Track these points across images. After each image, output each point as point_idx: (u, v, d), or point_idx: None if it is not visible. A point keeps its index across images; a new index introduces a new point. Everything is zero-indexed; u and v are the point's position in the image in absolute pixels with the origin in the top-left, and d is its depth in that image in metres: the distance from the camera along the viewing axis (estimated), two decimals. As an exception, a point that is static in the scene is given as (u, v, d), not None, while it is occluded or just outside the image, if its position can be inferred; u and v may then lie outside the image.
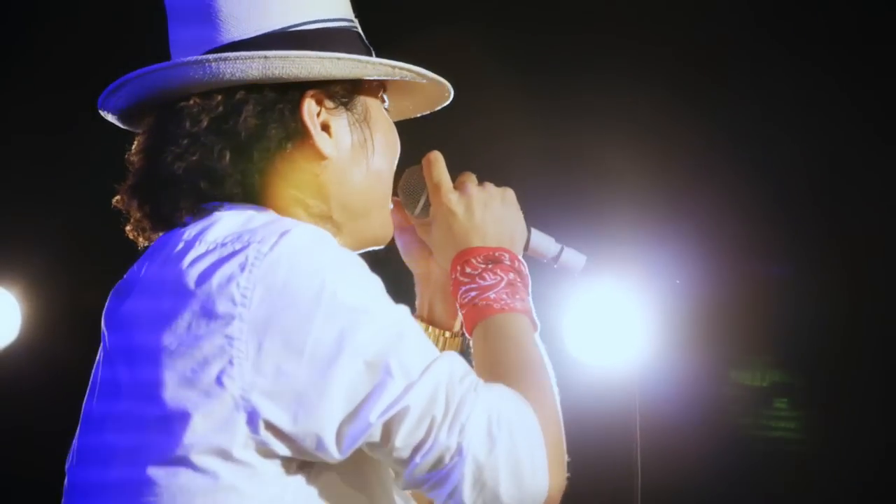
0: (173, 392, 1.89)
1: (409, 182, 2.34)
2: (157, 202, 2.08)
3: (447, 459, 1.91)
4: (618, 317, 4.83)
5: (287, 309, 1.89)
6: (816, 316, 4.71)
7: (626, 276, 4.77)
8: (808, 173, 4.70)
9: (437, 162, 2.31)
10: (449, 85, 2.27)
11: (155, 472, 1.89)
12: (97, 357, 2.07)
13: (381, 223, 2.23)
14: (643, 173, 4.65)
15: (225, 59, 2.06)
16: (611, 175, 4.67)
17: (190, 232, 1.99)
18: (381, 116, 2.21)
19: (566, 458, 2.02)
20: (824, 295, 4.70)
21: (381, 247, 2.28)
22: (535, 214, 4.39)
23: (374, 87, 2.21)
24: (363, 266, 2.00)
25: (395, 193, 2.31)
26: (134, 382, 1.95)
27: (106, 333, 2.04)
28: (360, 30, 2.22)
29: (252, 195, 2.06)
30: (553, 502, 1.99)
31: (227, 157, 2.05)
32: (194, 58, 2.08)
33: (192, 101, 2.07)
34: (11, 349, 4.97)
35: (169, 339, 1.91)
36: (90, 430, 2.03)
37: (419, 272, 2.37)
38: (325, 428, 1.88)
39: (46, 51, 4.72)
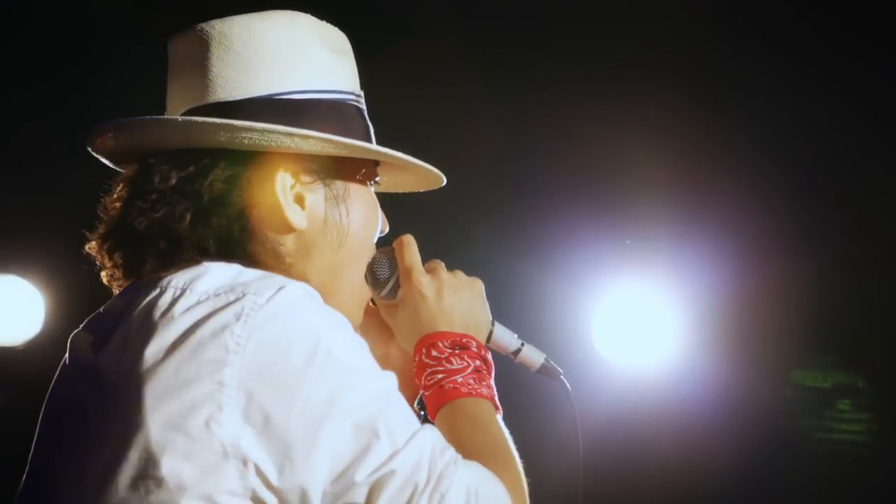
0: (158, 436, 1.87)
1: (378, 263, 2.33)
2: (123, 254, 2.10)
3: None
4: (647, 315, 4.79)
5: (280, 362, 1.90)
6: (854, 310, 4.65)
7: (655, 274, 4.73)
8: (846, 165, 4.63)
9: (410, 245, 2.33)
10: (437, 171, 2.29)
11: None
12: (47, 409, 2.07)
13: (351, 302, 2.22)
14: (671, 170, 4.60)
15: (194, 123, 2.08)
16: (638, 172, 4.62)
17: (178, 281, 1.99)
18: (363, 190, 2.21)
19: None
20: (855, 286, 4.64)
21: None
22: (566, 216, 4.35)
23: (361, 162, 2.20)
24: (351, 328, 2.03)
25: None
26: (111, 432, 1.92)
27: (74, 384, 2.03)
28: (360, 103, 2.22)
29: (216, 256, 2.06)
30: None
31: (188, 219, 2.06)
32: (165, 117, 2.11)
33: (164, 158, 2.09)
34: (36, 342, 4.95)
35: (154, 385, 1.90)
36: (53, 488, 2.00)
37: (377, 354, 2.30)
38: (310, 484, 1.89)
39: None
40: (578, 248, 4.69)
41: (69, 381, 2.07)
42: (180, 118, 2.09)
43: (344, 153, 2.15)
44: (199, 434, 1.87)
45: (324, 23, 2.23)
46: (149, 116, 2.11)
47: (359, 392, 1.93)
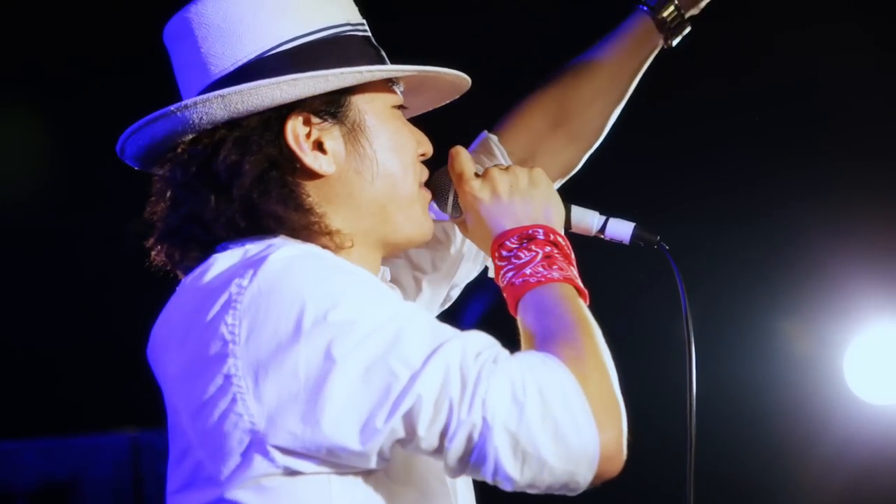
0: (193, 435, 1.96)
1: (436, 182, 2.34)
2: (177, 253, 2.13)
3: (476, 437, 1.86)
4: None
5: (273, 337, 1.89)
6: None
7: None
8: None
9: (458, 155, 2.28)
10: (455, 73, 2.23)
11: None
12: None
13: (410, 222, 2.19)
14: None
15: (187, 107, 2.07)
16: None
17: (188, 279, 2.04)
18: (384, 116, 2.17)
19: (621, 409, 1.92)
20: None
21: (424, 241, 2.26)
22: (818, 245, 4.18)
23: (375, 87, 2.17)
24: (350, 274, 1.99)
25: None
26: (172, 426, 2.05)
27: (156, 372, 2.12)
28: (361, 31, 2.18)
29: (249, 230, 2.06)
30: (612, 457, 1.89)
31: (212, 201, 2.07)
32: (161, 111, 2.09)
33: (180, 150, 2.11)
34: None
35: (181, 388, 1.98)
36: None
37: None
38: (335, 439, 1.88)
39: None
40: (832, 280, 4.51)
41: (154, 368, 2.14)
42: (174, 107, 2.08)
43: (339, 84, 2.11)
44: (224, 428, 1.92)
45: None
46: (144, 119, 2.11)
47: (355, 338, 1.88)
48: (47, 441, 4.84)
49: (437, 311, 2.57)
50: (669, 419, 2.40)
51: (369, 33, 2.20)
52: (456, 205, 2.31)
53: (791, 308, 4.58)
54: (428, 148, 2.24)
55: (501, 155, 2.57)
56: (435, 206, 2.33)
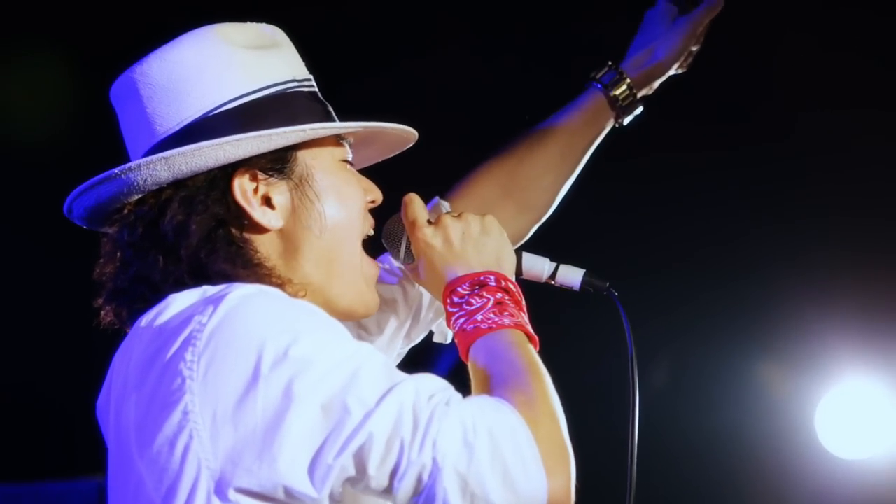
0: (145, 471, 1.93)
1: (389, 230, 2.36)
2: (125, 313, 2.11)
3: (425, 477, 1.85)
4: (875, 408, 4.57)
5: (232, 373, 1.88)
6: None
7: (879, 369, 4.52)
8: None
9: (411, 202, 2.32)
10: (400, 127, 2.24)
11: None
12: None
13: (353, 290, 2.19)
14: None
15: (131, 170, 2.07)
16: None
17: (146, 319, 2.02)
18: (330, 169, 2.18)
19: (570, 455, 1.93)
20: None
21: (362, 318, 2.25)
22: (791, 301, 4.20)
23: (322, 142, 2.18)
24: (308, 312, 1.98)
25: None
26: (117, 467, 2.02)
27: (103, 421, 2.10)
28: (307, 87, 2.19)
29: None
30: (561, 502, 1.89)
31: (160, 262, 2.07)
32: (105, 175, 2.09)
33: (126, 211, 2.12)
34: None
35: (136, 431, 1.95)
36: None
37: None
38: (289, 478, 1.86)
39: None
40: (804, 335, 4.53)
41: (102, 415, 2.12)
42: (118, 170, 2.08)
43: (283, 143, 2.12)
44: (181, 466, 1.89)
45: (244, 24, 2.21)
46: (89, 182, 2.11)
47: (314, 376, 1.87)
48: (15, 487, 4.79)
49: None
50: (615, 468, 2.41)
51: (316, 88, 2.21)
52: (409, 252, 2.33)
53: (765, 361, 4.60)
54: (377, 195, 2.26)
55: None
56: (389, 255, 2.36)
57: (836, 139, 4.31)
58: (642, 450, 2.34)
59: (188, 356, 1.91)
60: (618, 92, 2.70)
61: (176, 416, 1.90)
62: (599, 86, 2.70)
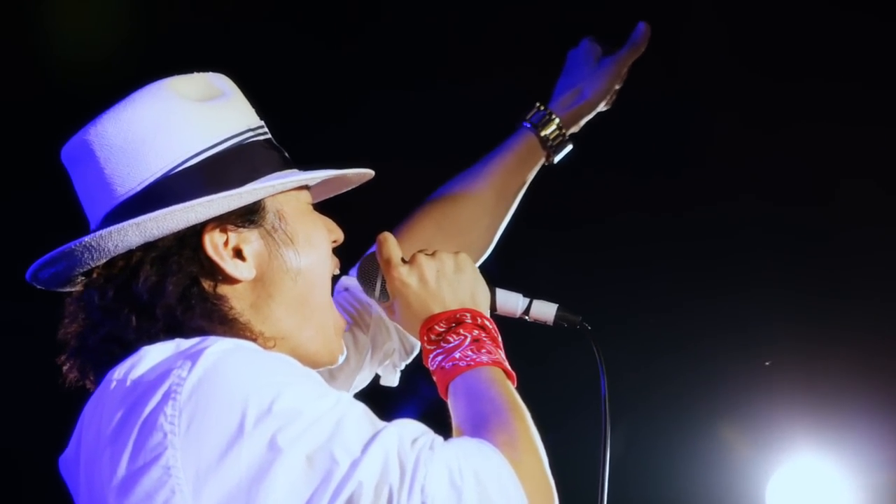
0: None
1: (364, 269, 2.39)
2: (92, 374, 2.11)
3: None
4: (824, 486, 4.57)
5: (215, 428, 1.88)
6: None
7: (830, 446, 4.54)
8: None
9: (386, 242, 2.36)
10: (355, 171, 2.25)
11: None
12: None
13: (321, 336, 2.19)
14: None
15: (101, 237, 2.07)
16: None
17: (119, 372, 2.00)
18: (297, 213, 2.19)
19: (553, 491, 1.97)
20: None
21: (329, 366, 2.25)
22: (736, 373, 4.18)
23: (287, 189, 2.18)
24: (288, 364, 1.99)
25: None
26: None
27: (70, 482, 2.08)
28: (261, 135, 2.19)
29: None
30: None
31: (134, 322, 2.07)
32: (76, 242, 2.09)
33: (95, 275, 2.12)
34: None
35: (112, 485, 1.92)
36: None
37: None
38: None
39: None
40: (752, 411, 4.57)
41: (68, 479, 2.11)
42: (88, 238, 2.08)
43: (253, 199, 2.13)
44: None
45: (192, 76, 2.21)
46: (58, 251, 2.12)
47: (298, 428, 1.87)
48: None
49: None
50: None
51: (269, 135, 2.23)
52: (384, 290, 2.36)
53: (714, 438, 4.60)
54: (339, 234, 2.28)
55: None
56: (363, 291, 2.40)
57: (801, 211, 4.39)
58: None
59: (168, 410, 1.90)
60: (548, 131, 2.80)
61: (156, 471, 1.89)
62: (530, 126, 2.79)
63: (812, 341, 4.46)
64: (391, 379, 2.61)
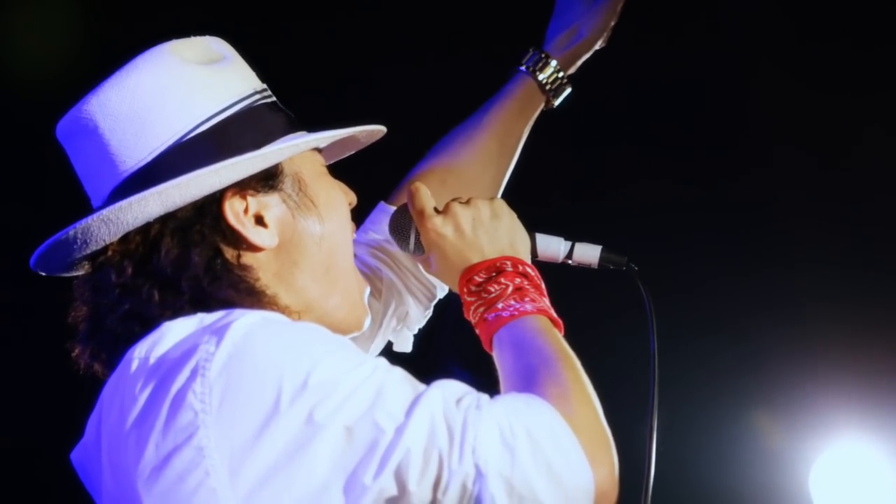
0: None
1: (396, 222, 2.32)
2: (107, 354, 2.02)
3: (470, 486, 1.79)
4: (869, 472, 4.48)
5: (249, 406, 1.80)
6: None
7: (876, 430, 4.43)
8: None
9: (418, 192, 2.28)
10: (370, 127, 2.20)
11: None
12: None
13: (347, 301, 2.13)
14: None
15: (121, 208, 1.98)
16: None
17: (140, 350, 1.91)
18: (316, 174, 2.14)
19: (610, 441, 1.88)
20: None
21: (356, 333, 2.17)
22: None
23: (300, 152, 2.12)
24: (318, 332, 1.91)
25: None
26: None
27: (88, 471, 2.00)
28: (267, 97, 2.12)
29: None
30: (607, 492, 1.85)
31: (157, 296, 1.99)
32: (92, 217, 2.00)
33: (110, 252, 2.02)
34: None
35: (141, 469, 1.83)
36: None
37: None
38: (321, 502, 1.78)
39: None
40: (798, 396, 4.44)
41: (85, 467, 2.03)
42: (105, 211, 1.99)
43: (278, 159, 2.07)
44: (188, 502, 1.80)
45: (191, 39, 2.13)
46: (71, 227, 2.02)
47: (337, 399, 1.79)
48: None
49: None
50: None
51: (274, 97, 2.15)
52: (418, 244, 2.28)
53: (760, 419, 4.50)
54: (353, 197, 2.22)
55: None
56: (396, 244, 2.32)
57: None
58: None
59: (198, 388, 1.82)
60: (545, 74, 2.68)
61: (188, 452, 1.81)
62: (525, 70, 2.67)
63: (857, 322, 4.35)
64: (405, 344, 2.52)
